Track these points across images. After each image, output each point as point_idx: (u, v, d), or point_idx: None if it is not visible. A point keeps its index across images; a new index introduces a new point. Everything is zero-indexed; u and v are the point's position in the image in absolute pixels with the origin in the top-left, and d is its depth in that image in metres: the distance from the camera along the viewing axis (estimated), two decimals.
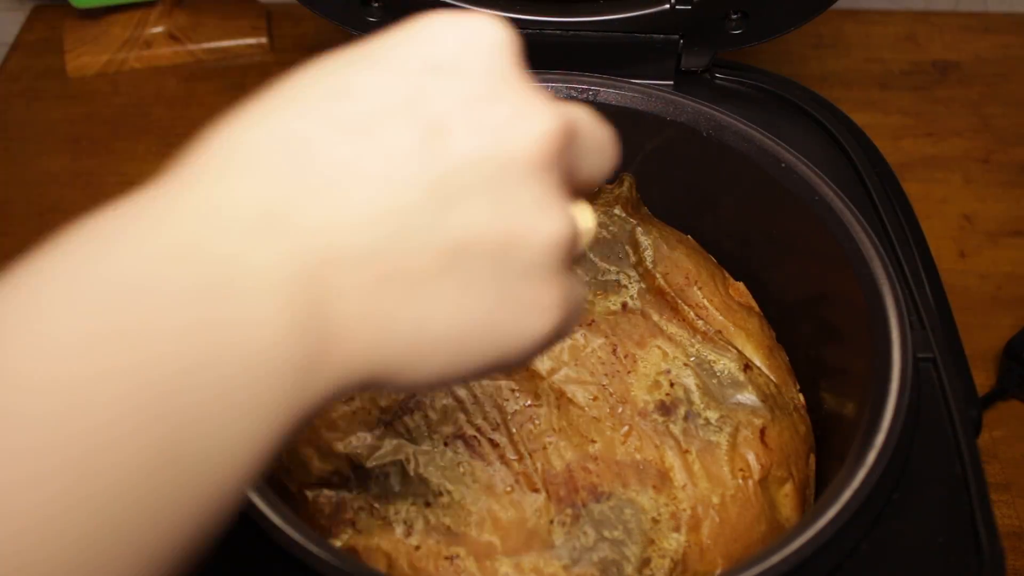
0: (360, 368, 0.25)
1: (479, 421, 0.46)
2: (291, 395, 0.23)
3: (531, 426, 0.46)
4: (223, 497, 0.22)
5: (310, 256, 0.23)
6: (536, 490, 0.44)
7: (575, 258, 0.29)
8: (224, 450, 0.22)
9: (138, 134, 0.78)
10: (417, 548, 0.42)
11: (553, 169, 0.26)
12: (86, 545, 0.20)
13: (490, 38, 0.27)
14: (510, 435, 0.46)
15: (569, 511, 0.44)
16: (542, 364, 0.49)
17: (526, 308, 0.27)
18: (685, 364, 0.49)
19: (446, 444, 0.46)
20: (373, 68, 0.26)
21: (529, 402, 0.47)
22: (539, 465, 0.45)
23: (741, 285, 0.55)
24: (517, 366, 0.30)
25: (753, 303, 0.55)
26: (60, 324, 0.21)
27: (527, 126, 0.26)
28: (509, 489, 0.44)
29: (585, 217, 0.30)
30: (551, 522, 0.44)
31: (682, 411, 0.48)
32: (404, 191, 0.24)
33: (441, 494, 0.44)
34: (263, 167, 0.24)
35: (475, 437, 0.46)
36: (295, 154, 0.24)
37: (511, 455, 0.45)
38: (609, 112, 0.54)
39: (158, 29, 0.83)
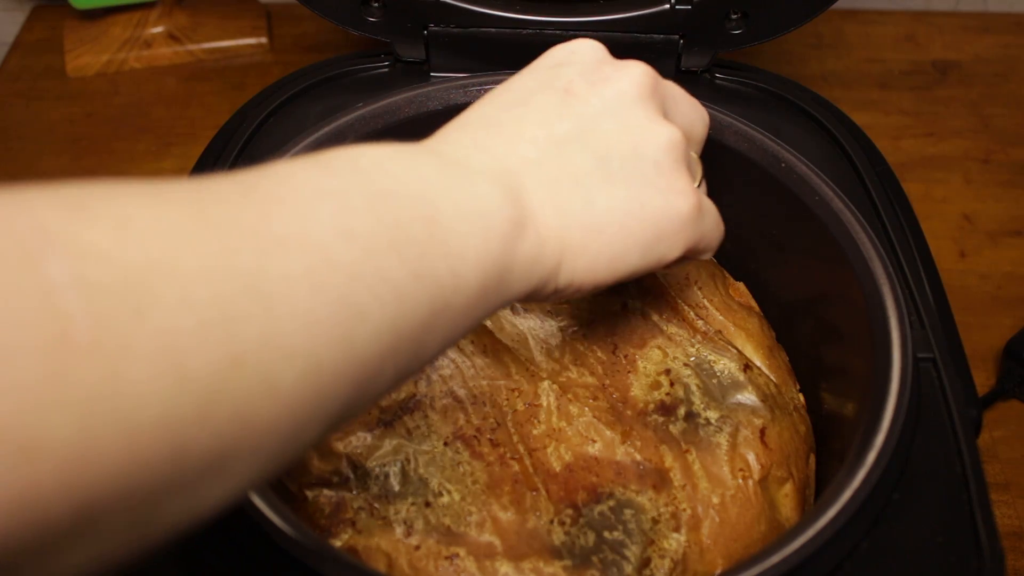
0: (551, 246, 0.33)
1: (479, 421, 0.46)
2: (506, 243, 0.31)
3: (531, 426, 0.46)
4: (456, 318, 0.30)
5: (505, 162, 0.33)
6: (536, 490, 0.44)
7: (696, 173, 0.40)
8: (460, 273, 0.29)
9: (138, 134, 0.78)
10: (417, 548, 0.42)
11: (652, 99, 0.37)
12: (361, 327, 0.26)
13: (584, 44, 0.39)
14: (510, 435, 0.46)
15: (569, 511, 0.44)
16: (542, 364, 0.49)
17: (665, 190, 0.35)
18: (685, 364, 0.49)
19: (446, 444, 0.46)
20: (522, 75, 0.38)
21: (529, 402, 0.47)
22: (539, 465, 0.45)
23: (741, 285, 0.55)
24: (676, 253, 0.36)
25: (753, 303, 0.55)
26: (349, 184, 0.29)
27: (626, 72, 0.37)
28: (509, 490, 0.44)
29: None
30: (551, 522, 0.44)
31: (682, 411, 0.48)
32: (556, 125, 0.35)
33: (441, 494, 0.44)
34: (469, 129, 0.35)
35: (475, 437, 0.46)
36: (487, 122, 0.36)
37: (511, 455, 0.45)
38: None
39: (158, 29, 0.83)
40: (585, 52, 0.38)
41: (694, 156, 0.40)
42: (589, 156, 0.35)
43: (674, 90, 0.40)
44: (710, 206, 0.39)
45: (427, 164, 0.32)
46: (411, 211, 0.29)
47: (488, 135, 0.35)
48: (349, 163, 0.29)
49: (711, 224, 0.39)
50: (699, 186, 0.39)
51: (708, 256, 0.41)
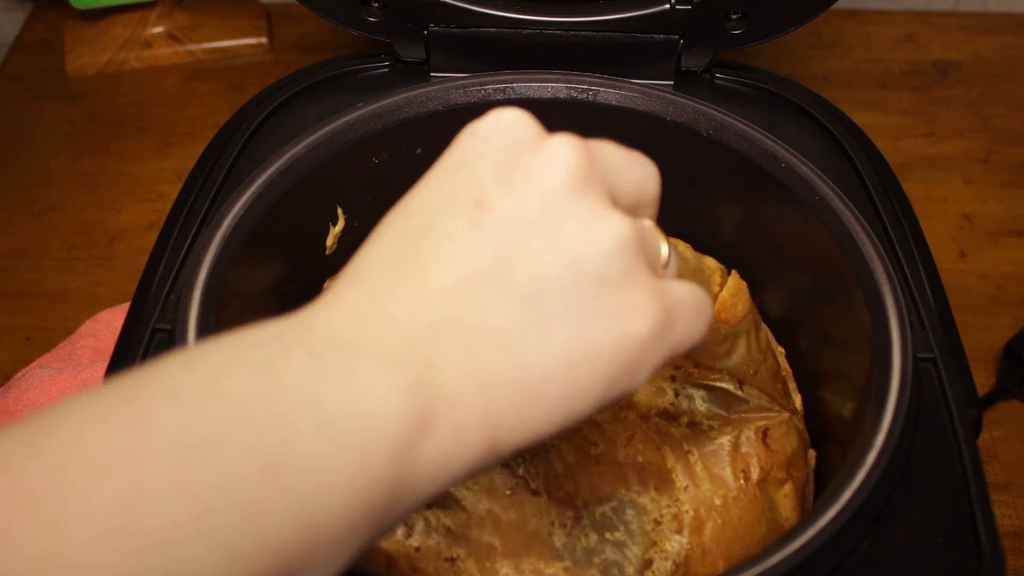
0: (474, 430, 0.27)
1: None
2: (400, 453, 0.25)
3: None
4: (324, 545, 0.24)
5: (407, 330, 0.27)
6: (537, 492, 0.44)
7: (656, 257, 0.31)
8: (319, 520, 0.24)
9: (138, 134, 0.78)
10: (417, 549, 0.42)
11: (589, 185, 0.29)
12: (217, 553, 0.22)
13: (496, 122, 0.30)
14: None
15: (570, 513, 0.44)
16: None
17: (617, 313, 0.28)
18: (688, 372, 0.49)
19: None
20: (427, 182, 0.30)
21: None
22: (540, 467, 0.45)
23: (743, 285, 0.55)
24: (645, 375, 0.29)
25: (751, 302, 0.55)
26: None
27: (550, 158, 0.29)
28: (510, 492, 0.44)
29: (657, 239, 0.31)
30: (552, 524, 0.44)
31: (685, 419, 0.48)
32: (469, 261, 0.28)
33: (442, 495, 0.44)
34: (367, 282, 0.28)
35: None
36: (385, 268, 0.28)
37: (512, 459, 0.45)
38: (609, 112, 0.54)
39: (158, 29, 0.83)
40: (497, 136, 0.30)
41: (649, 226, 0.31)
42: (513, 297, 0.27)
43: (612, 155, 0.31)
44: (682, 296, 0.30)
45: (291, 360, 0.25)
46: (244, 456, 0.23)
47: (387, 289, 0.28)
48: (165, 394, 0.23)
49: (686, 322, 0.30)
50: (666, 267, 0.31)
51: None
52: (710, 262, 0.44)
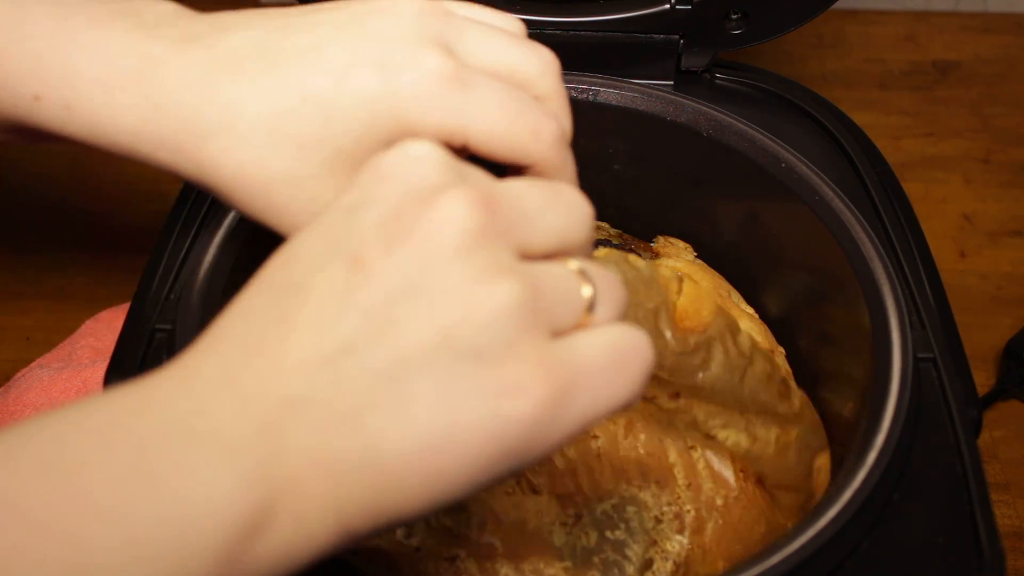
0: (321, 520, 0.25)
1: None
2: (230, 556, 0.23)
3: None
4: None
5: (257, 409, 0.24)
6: (537, 491, 0.44)
7: (570, 310, 0.27)
8: None
9: None
10: (417, 549, 0.42)
11: (482, 246, 0.26)
12: None
13: (401, 161, 0.27)
14: None
15: (571, 511, 0.44)
16: None
17: (492, 392, 0.25)
18: (689, 421, 0.49)
19: None
20: (312, 228, 0.27)
21: None
22: (542, 465, 0.45)
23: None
24: (539, 456, 0.26)
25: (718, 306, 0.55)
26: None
27: (438, 216, 0.26)
28: (510, 491, 0.44)
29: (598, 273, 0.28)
30: (553, 523, 0.44)
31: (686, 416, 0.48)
32: (334, 329, 0.25)
33: None
34: (224, 346, 0.26)
35: None
36: (246, 331, 0.26)
37: None
38: (609, 112, 0.54)
39: None
40: (393, 177, 0.27)
41: (565, 273, 0.27)
42: (373, 375, 0.25)
43: (526, 203, 0.27)
44: (593, 359, 0.26)
45: (109, 460, 0.23)
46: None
47: (243, 358, 0.25)
48: None
49: (595, 390, 0.26)
50: (592, 310, 0.27)
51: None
52: (665, 271, 0.42)
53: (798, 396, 0.43)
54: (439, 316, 0.25)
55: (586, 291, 0.27)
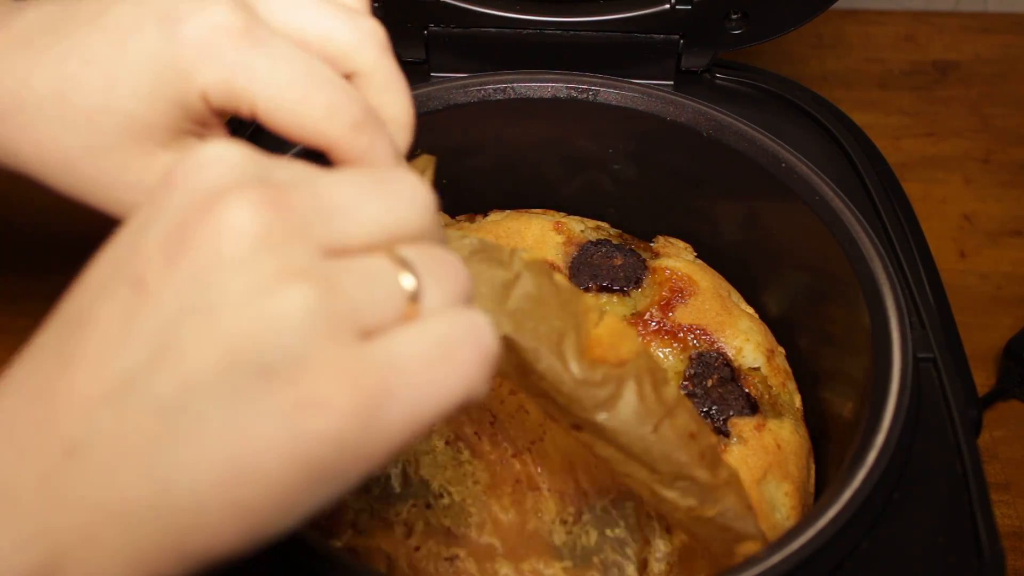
0: (119, 569, 0.23)
1: (477, 416, 0.46)
2: None
3: (523, 416, 0.46)
4: None
5: (38, 465, 0.23)
6: (537, 490, 0.44)
7: (386, 306, 0.24)
8: None
9: None
10: (417, 549, 0.42)
11: (270, 252, 0.23)
12: None
13: (188, 166, 0.25)
14: (507, 430, 0.46)
15: (571, 509, 0.44)
16: None
17: (289, 412, 0.22)
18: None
19: (448, 444, 0.46)
20: (103, 254, 0.25)
21: (512, 389, 0.47)
22: (540, 457, 0.45)
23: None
24: (364, 471, 0.24)
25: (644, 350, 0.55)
26: None
27: (216, 224, 0.23)
28: (510, 490, 0.44)
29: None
30: (553, 521, 0.44)
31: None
32: (112, 362, 0.23)
33: (442, 495, 0.44)
34: (10, 383, 0.24)
35: (476, 435, 0.46)
36: (31, 371, 0.24)
37: (512, 453, 0.45)
38: (609, 112, 0.54)
39: None
40: (183, 185, 0.24)
41: (390, 259, 0.25)
42: (156, 407, 0.22)
43: (333, 195, 0.25)
44: (410, 354, 0.24)
45: None
46: None
47: (25, 404, 0.23)
48: None
49: (416, 389, 0.24)
50: (416, 300, 0.25)
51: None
52: (590, 300, 0.36)
53: (727, 469, 0.37)
54: (222, 334, 0.22)
55: (407, 281, 0.25)
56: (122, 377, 0.23)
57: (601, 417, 0.35)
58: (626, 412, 0.35)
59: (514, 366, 0.34)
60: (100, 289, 0.24)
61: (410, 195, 0.26)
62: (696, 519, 0.37)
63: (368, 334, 0.24)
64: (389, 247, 0.25)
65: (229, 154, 0.25)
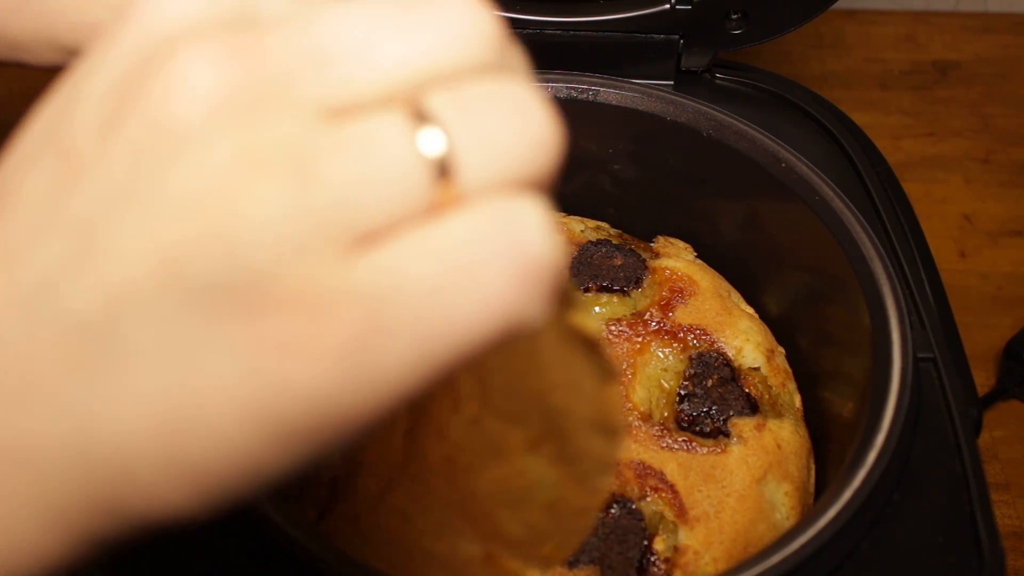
0: (33, 524, 0.19)
1: None
2: None
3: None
4: None
5: None
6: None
7: (417, 192, 0.17)
8: None
9: None
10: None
11: (237, 117, 0.17)
12: None
13: (130, 2, 0.18)
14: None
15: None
16: None
17: (250, 349, 0.17)
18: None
19: None
20: (38, 111, 0.20)
21: None
22: None
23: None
24: (346, 433, 0.18)
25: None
26: None
27: (169, 80, 0.17)
28: None
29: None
30: None
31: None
32: (31, 261, 0.18)
33: None
34: None
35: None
36: None
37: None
38: (609, 112, 0.54)
39: None
40: (135, 29, 0.18)
41: (407, 115, 0.17)
42: (76, 319, 0.17)
43: (343, 25, 0.17)
44: (421, 276, 0.17)
45: None
46: None
47: None
48: None
49: (418, 328, 0.17)
50: (449, 174, 0.17)
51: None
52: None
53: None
54: (160, 237, 0.17)
55: (429, 144, 0.17)
56: (37, 279, 0.18)
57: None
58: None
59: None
60: (30, 154, 0.18)
61: (459, 19, 0.18)
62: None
63: (370, 238, 0.17)
64: (414, 97, 0.18)
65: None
